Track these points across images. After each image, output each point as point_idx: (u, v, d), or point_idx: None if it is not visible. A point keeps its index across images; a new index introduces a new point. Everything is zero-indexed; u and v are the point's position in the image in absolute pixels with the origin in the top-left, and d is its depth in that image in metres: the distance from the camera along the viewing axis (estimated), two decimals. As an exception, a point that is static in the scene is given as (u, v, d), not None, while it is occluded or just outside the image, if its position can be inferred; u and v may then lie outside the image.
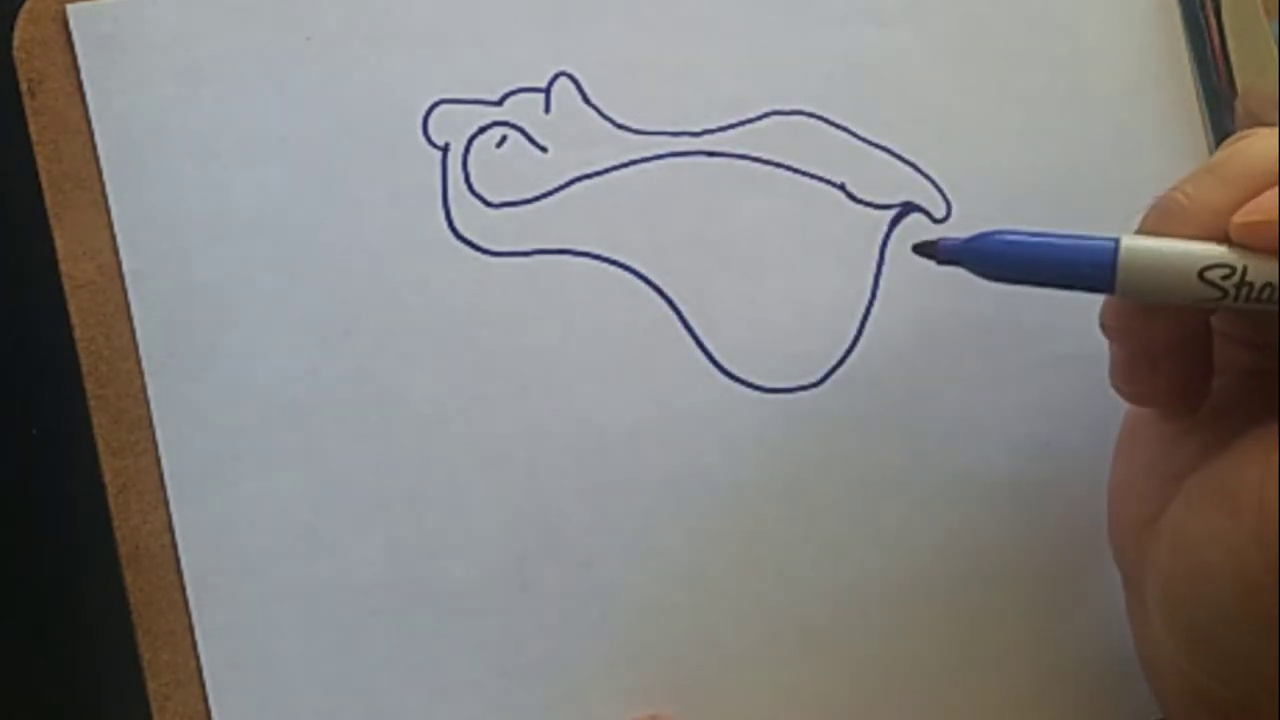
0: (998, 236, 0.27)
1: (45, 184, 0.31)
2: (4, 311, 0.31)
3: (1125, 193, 0.32)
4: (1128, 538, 0.30)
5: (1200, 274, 0.25)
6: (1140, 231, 0.27)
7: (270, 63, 0.32)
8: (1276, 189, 0.25)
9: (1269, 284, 0.25)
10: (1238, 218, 0.25)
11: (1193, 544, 0.26)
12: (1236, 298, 0.25)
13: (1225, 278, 0.25)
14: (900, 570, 0.32)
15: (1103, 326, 0.28)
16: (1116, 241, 0.26)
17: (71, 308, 0.31)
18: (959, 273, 0.28)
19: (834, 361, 0.33)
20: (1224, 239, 0.26)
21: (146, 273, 0.31)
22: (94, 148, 0.31)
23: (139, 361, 0.31)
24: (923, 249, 0.28)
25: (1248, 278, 0.25)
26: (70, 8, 0.31)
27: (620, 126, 0.33)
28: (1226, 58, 0.34)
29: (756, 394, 0.32)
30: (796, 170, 0.33)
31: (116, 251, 0.31)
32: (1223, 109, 0.34)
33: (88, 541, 0.31)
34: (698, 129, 0.33)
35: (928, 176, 0.33)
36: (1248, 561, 0.25)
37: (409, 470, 0.31)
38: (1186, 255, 0.25)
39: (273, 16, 0.32)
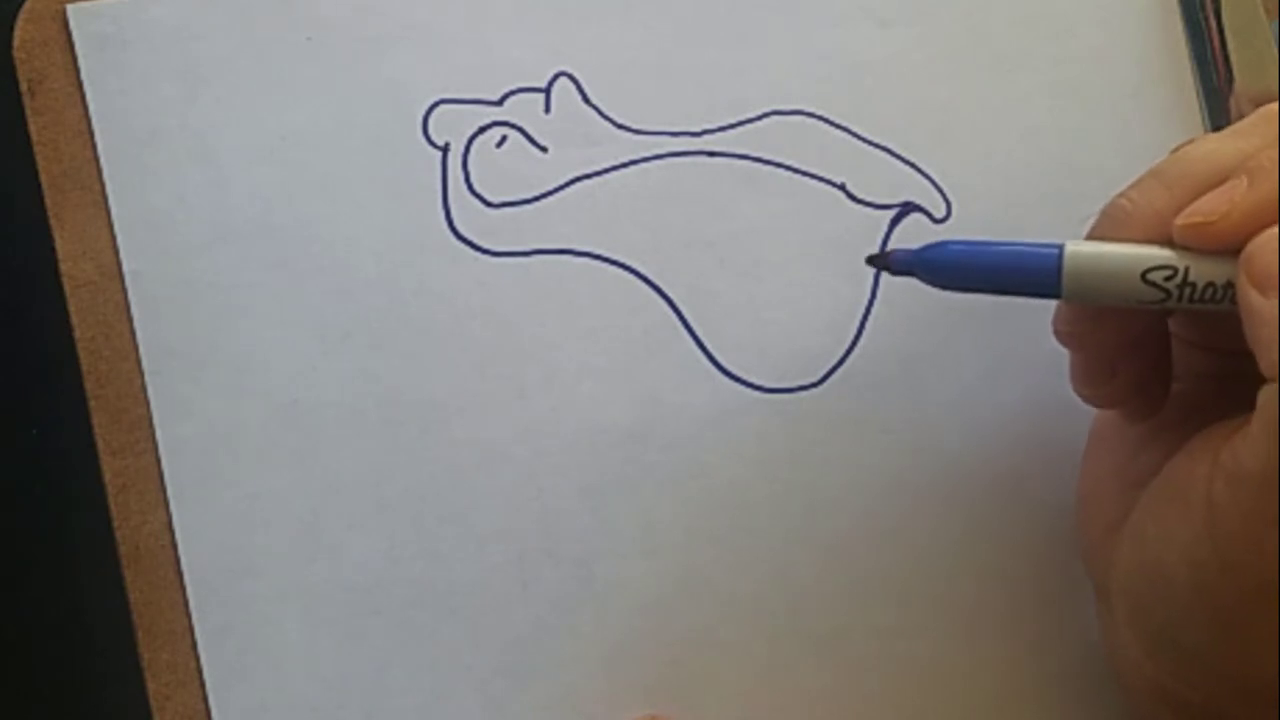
0: (947, 246, 0.27)
1: (45, 184, 0.31)
2: (4, 311, 0.31)
3: (1125, 193, 0.32)
4: (1094, 543, 0.30)
5: (1143, 276, 0.26)
6: (1089, 237, 0.27)
7: (270, 63, 0.32)
8: (1216, 192, 0.25)
9: (1211, 284, 0.25)
10: (1179, 220, 0.26)
11: (1150, 545, 0.27)
12: (1180, 298, 0.26)
13: (1168, 279, 0.25)
14: (900, 570, 0.32)
15: (1056, 333, 0.29)
16: (1061, 247, 0.26)
17: (71, 308, 0.31)
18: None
19: (834, 361, 0.33)
20: (1168, 241, 0.26)
21: (146, 273, 0.31)
22: (94, 148, 0.31)
23: (139, 361, 0.31)
24: (876, 261, 0.29)
25: (1190, 278, 0.25)
26: (70, 8, 0.31)
27: (620, 126, 0.33)
28: (1226, 58, 0.34)
29: (756, 394, 0.32)
30: (796, 170, 0.33)
31: (116, 251, 0.31)
32: (1222, 109, 0.34)
33: (88, 541, 0.31)
34: (698, 129, 0.33)
35: (928, 176, 0.33)
36: (1199, 559, 0.25)
37: (409, 470, 0.31)
38: (1129, 258, 0.26)
39: (273, 16, 0.32)
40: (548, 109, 0.32)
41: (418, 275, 0.32)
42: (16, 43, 0.31)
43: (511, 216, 0.32)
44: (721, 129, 0.33)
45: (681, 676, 0.32)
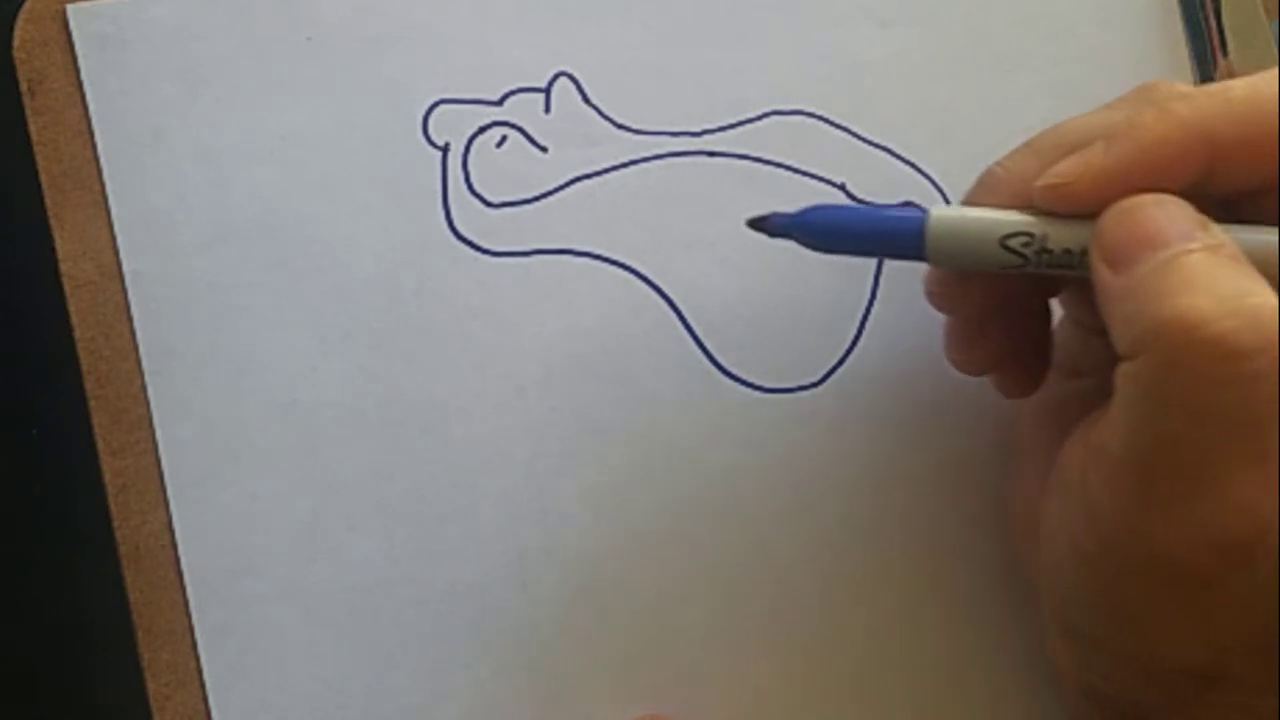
0: (821, 210, 0.28)
1: (45, 184, 0.31)
2: (4, 311, 0.31)
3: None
4: (1018, 545, 0.30)
5: (1002, 242, 0.26)
6: (964, 203, 0.28)
7: (270, 63, 0.32)
8: (1075, 155, 0.26)
9: (1068, 250, 0.26)
10: (1038, 182, 0.26)
11: (1049, 536, 0.27)
12: (1039, 264, 0.26)
13: (1025, 245, 0.26)
14: (900, 569, 0.32)
15: (927, 294, 0.29)
16: (926, 213, 0.27)
17: (71, 308, 0.31)
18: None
19: (834, 361, 0.33)
20: (1032, 207, 0.26)
21: (146, 273, 0.31)
22: (94, 148, 0.31)
23: (139, 361, 0.31)
24: (756, 223, 0.29)
25: (1047, 245, 0.26)
26: (70, 8, 0.31)
27: (620, 126, 0.33)
28: (1227, 58, 0.34)
29: (756, 394, 0.32)
30: (796, 170, 0.33)
31: (116, 251, 0.31)
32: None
33: (88, 541, 0.31)
34: (698, 129, 0.33)
35: (928, 176, 0.33)
36: (1082, 544, 0.25)
37: (409, 470, 0.31)
38: (989, 224, 0.26)
39: (273, 16, 0.32)
40: (548, 109, 0.32)
41: (418, 275, 0.32)
42: (16, 43, 0.31)
43: (511, 216, 0.32)
44: (721, 129, 0.33)
45: (681, 676, 0.32)
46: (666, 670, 0.32)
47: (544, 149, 0.32)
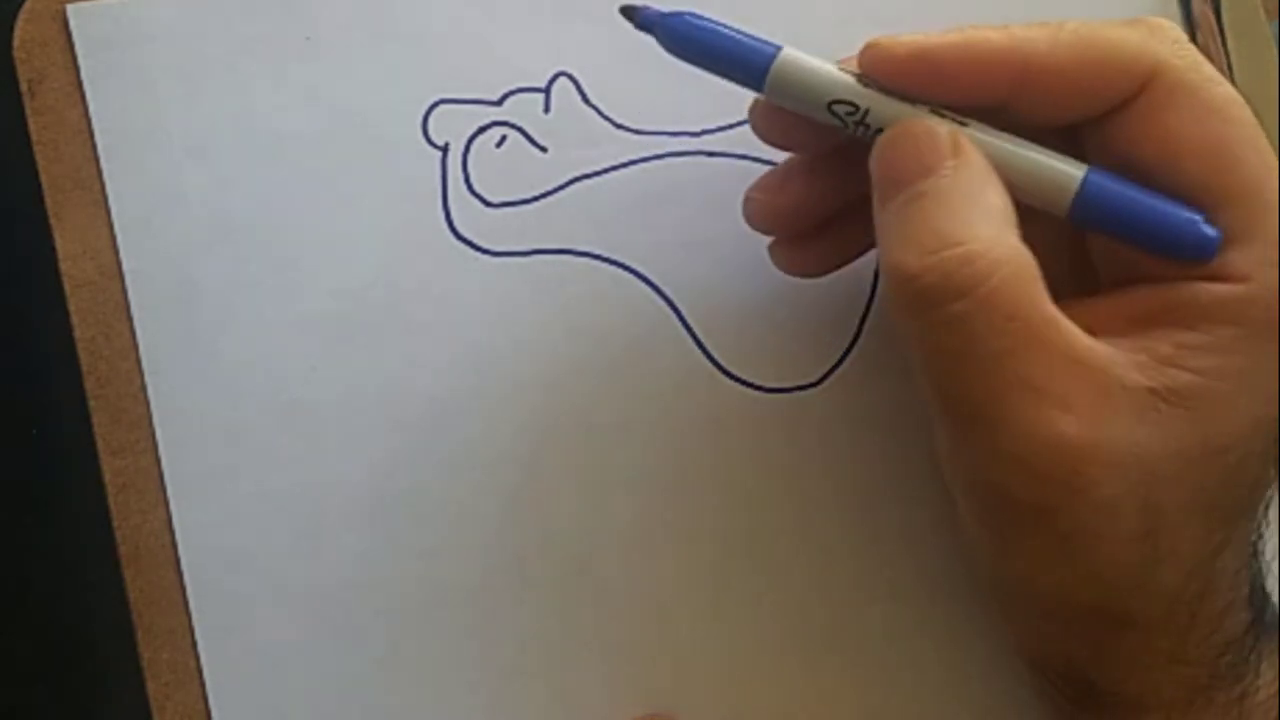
0: (687, 17, 0.28)
1: (45, 184, 0.31)
2: (4, 311, 0.31)
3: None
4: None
5: (829, 105, 0.27)
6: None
7: (270, 63, 0.32)
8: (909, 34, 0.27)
9: (881, 129, 0.27)
10: (865, 44, 0.27)
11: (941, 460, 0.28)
12: (859, 135, 0.27)
13: (849, 114, 0.27)
14: (900, 569, 0.32)
15: (750, 115, 0.29)
16: (778, 51, 0.27)
17: (71, 308, 0.31)
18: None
19: (834, 361, 0.33)
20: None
21: (146, 273, 0.31)
22: (94, 148, 0.31)
23: (139, 361, 0.31)
24: (627, 11, 0.29)
25: (867, 120, 0.27)
26: (70, 8, 0.31)
27: (620, 126, 0.33)
28: (1227, 58, 0.34)
29: (756, 394, 0.32)
30: (796, 170, 0.33)
31: (116, 251, 0.31)
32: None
33: (88, 541, 0.31)
34: (697, 129, 0.33)
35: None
36: (951, 485, 0.27)
37: (409, 470, 0.31)
38: (825, 83, 0.27)
39: (273, 16, 0.32)
40: (548, 109, 0.32)
41: (418, 275, 0.32)
42: (16, 43, 0.31)
43: (511, 216, 0.32)
44: (721, 129, 0.33)
45: (681, 676, 0.32)
46: (666, 670, 0.32)
47: (544, 149, 0.32)
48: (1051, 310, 0.25)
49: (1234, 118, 0.26)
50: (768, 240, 0.31)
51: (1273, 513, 0.33)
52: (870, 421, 0.32)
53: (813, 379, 0.33)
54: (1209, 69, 0.26)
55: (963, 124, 0.26)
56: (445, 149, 0.32)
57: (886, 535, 0.32)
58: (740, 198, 0.30)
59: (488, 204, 0.32)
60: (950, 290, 0.24)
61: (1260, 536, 0.28)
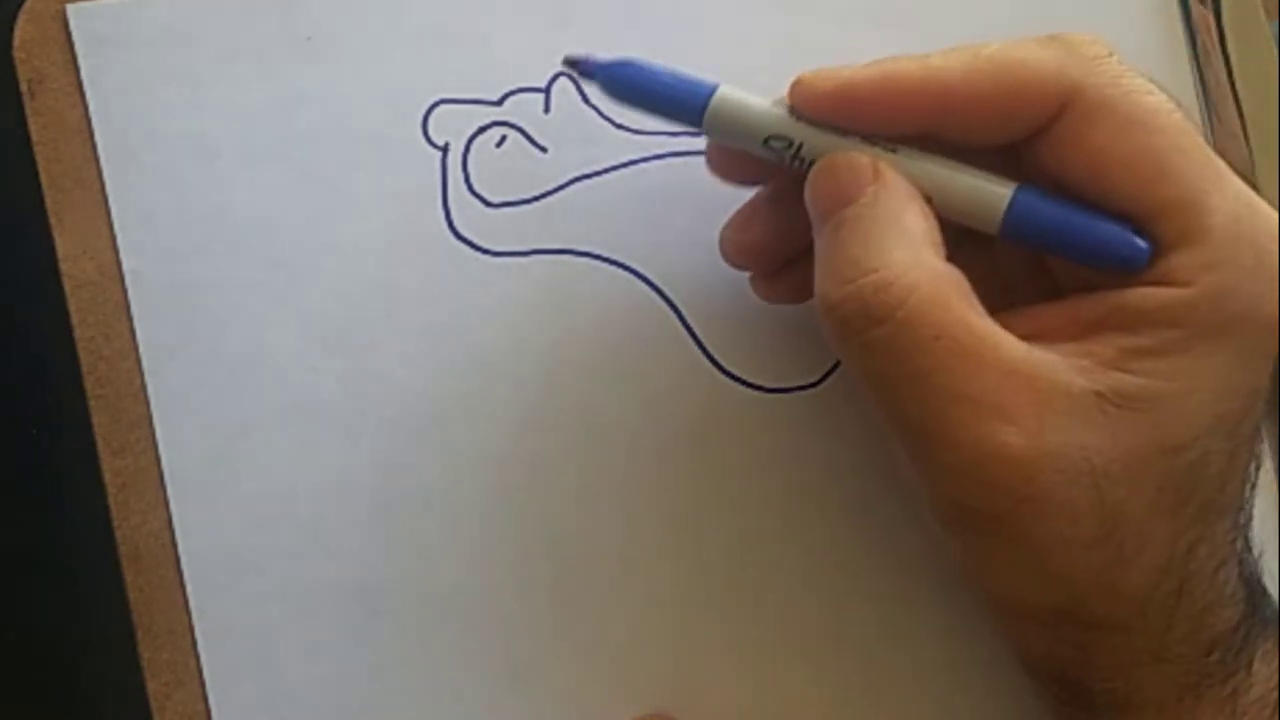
0: (625, 63, 0.29)
1: (45, 184, 0.31)
2: (4, 311, 0.31)
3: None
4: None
5: (765, 141, 0.28)
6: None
7: (270, 63, 0.32)
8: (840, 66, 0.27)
9: (815, 161, 0.27)
10: (792, 81, 0.28)
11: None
12: (793, 165, 0.28)
13: (785, 148, 0.28)
14: (900, 569, 0.32)
15: (706, 156, 0.30)
16: (714, 88, 0.28)
17: (71, 308, 0.31)
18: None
19: (834, 361, 0.33)
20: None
21: (146, 273, 0.31)
22: (94, 148, 0.31)
23: (139, 361, 0.31)
24: (569, 63, 0.30)
25: (802, 153, 0.27)
26: (70, 8, 0.31)
27: (620, 126, 0.33)
28: (1226, 58, 0.34)
29: (756, 394, 0.32)
30: (796, 170, 0.33)
31: (116, 251, 0.31)
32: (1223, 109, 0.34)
33: (88, 541, 0.31)
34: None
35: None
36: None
37: (409, 470, 0.31)
38: (759, 119, 0.28)
39: (273, 16, 0.32)
40: (547, 109, 0.32)
41: (418, 275, 0.32)
42: (16, 43, 0.31)
43: (511, 216, 0.32)
44: (721, 129, 0.33)
45: (681, 676, 0.32)
46: (666, 670, 0.32)
47: (544, 149, 0.32)
48: (980, 324, 0.25)
49: (1158, 127, 0.26)
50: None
51: (1271, 510, 0.33)
52: (869, 422, 0.32)
53: (813, 379, 0.33)
54: (1131, 81, 0.27)
55: (892, 151, 0.27)
56: (445, 149, 0.32)
57: (886, 535, 0.32)
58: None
59: (488, 204, 0.32)
60: (869, 317, 0.25)
61: (1246, 533, 0.28)
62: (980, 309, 0.26)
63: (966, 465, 0.25)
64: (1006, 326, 0.26)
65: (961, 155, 0.28)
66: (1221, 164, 0.27)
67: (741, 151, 0.29)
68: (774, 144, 0.28)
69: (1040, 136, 0.27)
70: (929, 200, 0.27)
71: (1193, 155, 0.26)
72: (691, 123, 0.28)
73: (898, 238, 0.26)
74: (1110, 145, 0.26)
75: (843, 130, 0.27)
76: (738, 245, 0.31)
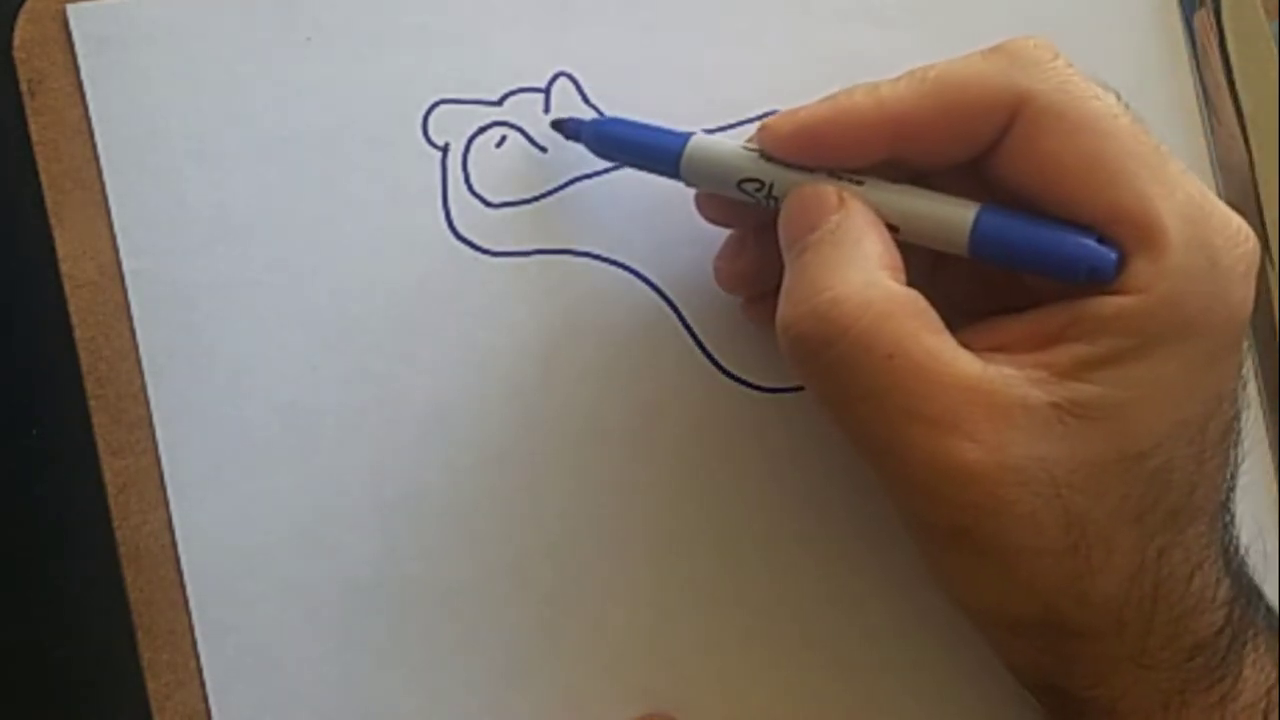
0: (607, 121, 0.32)
1: (45, 184, 0.31)
2: (4, 311, 0.31)
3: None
4: None
5: (739, 184, 0.29)
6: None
7: (270, 63, 0.32)
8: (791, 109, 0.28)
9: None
10: (757, 127, 0.29)
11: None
12: (768, 204, 0.29)
13: (757, 190, 0.29)
14: (899, 569, 0.32)
15: (695, 200, 0.31)
16: (688, 138, 0.30)
17: (71, 308, 0.31)
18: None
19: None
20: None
21: (146, 273, 0.31)
22: (94, 148, 0.31)
23: (139, 361, 0.31)
24: (557, 124, 0.32)
25: (774, 193, 0.28)
26: (70, 8, 0.31)
27: (620, 126, 0.33)
28: (1226, 58, 0.34)
29: (756, 394, 0.32)
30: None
31: (116, 251, 0.31)
32: (1222, 109, 0.34)
33: (88, 541, 0.31)
34: (698, 129, 0.33)
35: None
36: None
37: (409, 470, 0.31)
38: (731, 164, 0.29)
39: (273, 16, 0.32)
40: (547, 109, 0.32)
41: (418, 275, 0.32)
42: (16, 43, 0.31)
43: (511, 216, 0.32)
44: (721, 129, 0.33)
45: (681, 676, 0.32)
46: (666, 670, 0.32)
47: (544, 149, 0.32)
48: (935, 341, 0.26)
49: (1107, 131, 0.26)
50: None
51: (1272, 511, 0.33)
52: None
53: (813, 379, 0.33)
54: (1078, 85, 0.27)
55: (858, 183, 0.28)
56: (445, 149, 0.32)
57: (886, 535, 0.32)
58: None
59: (488, 204, 0.32)
60: (823, 335, 0.26)
61: (1232, 536, 0.28)
62: (937, 327, 0.26)
63: (929, 482, 0.25)
64: (970, 340, 0.26)
65: (927, 179, 0.28)
66: (1174, 165, 0.26)
67: (722, 195, 0.30)
68: (746, 186, 0.29)
69: (995, 149, 0.27)
70: (894, 229, 0.27)
71: (1144, 159, 0.26)
72: (670, 173, 0.30)
73: (856, 260, 0.26)
74: (1060, 151, 0.26)
75: (810, 168, 0.28)
76: (728, 274, 0.31)
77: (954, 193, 0.28)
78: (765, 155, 0.29)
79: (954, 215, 0.27)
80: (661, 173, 0.30)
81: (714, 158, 0.29)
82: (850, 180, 0.28)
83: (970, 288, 0.29)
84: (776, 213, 0.28)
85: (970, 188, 0.28)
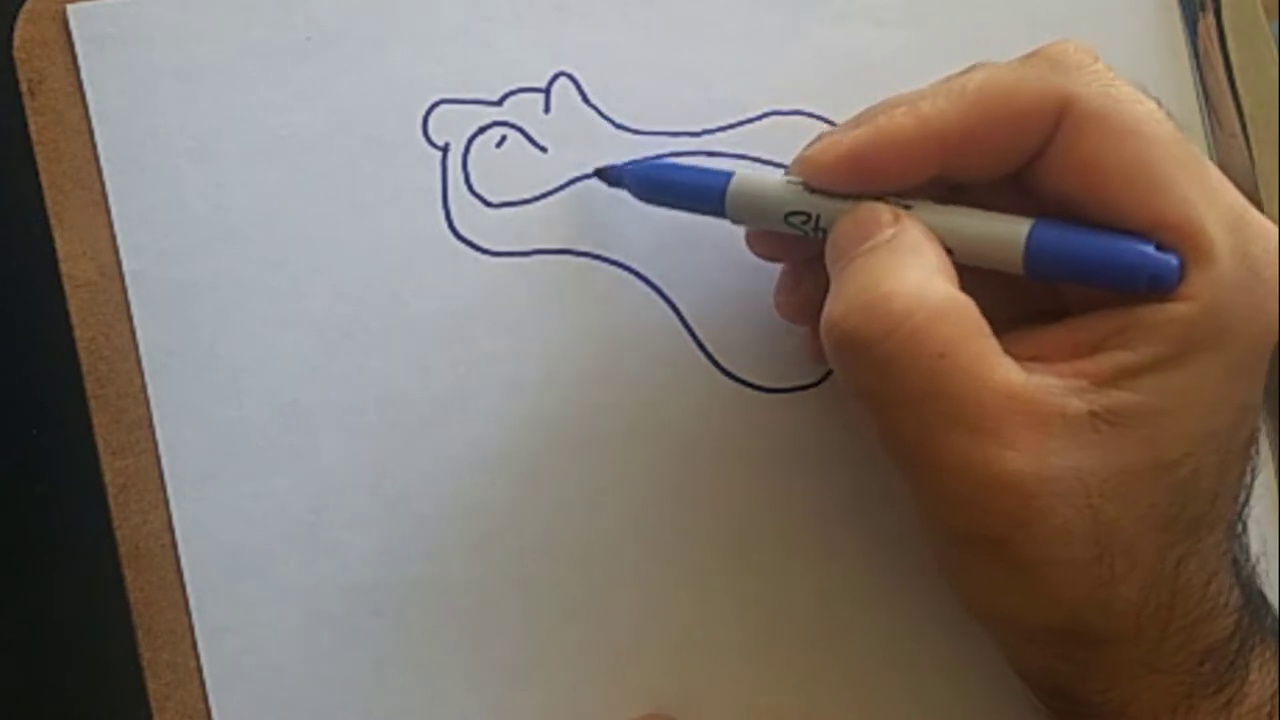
0: (645, 163, 0.32)
1: (45, 184, 0.31)
2: (4, 311, 0.31)
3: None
4: None
5: (785, 217, 0.28)
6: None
7: (270, 63, 0.32)
8: (834, 132, 0.28)
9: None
10: (796, 155, 0.28)
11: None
12: (815, 235, 0.28)
13: (804, 223, 0.28)
14: (899, 569, 0.32)
15: (746, 238, 0.31)
16: (730, 176, 0.29)
17: (71, 308, 0.31)
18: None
19: (834, 361, 0.33)
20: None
21: (146, 273, 0.31)
22: (94, 148, 0.31)
23: (139, 361, 0.31)
24: (600, 173, 0.32)
25: (821, 224, 0.28)
26: (70, 8, 0.31)
27: (620, 126, 0.33)
28: (1227, 58, 0.34)
29: (756, 394, 0.32)
30: (796, 170, 0.33)
31: (116, 251, 0.31)
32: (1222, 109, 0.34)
33: (88, 541, 0.31)
34: (698, 129, 0.33)
35: (928, 176, 0.33)
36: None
37: (409, 470, 0.31)
38: (777, 198, 0.29)
39: (273, 16, 0.32)
40: (548, 109, 0.32)
41: (418, 275, 0.32)
42: (16, 43, 0.31)
43: (511, 216, 0.32)
44: (721, 129, 0.33)
45: (681, 676, 0.32)
46: (666, 670, 0.32)
47: (544, 149, 0.32)
48: (986, 346, 0.25)
49: (1151, 136, 0.26)
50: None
51: (1272, 513, 0.33)
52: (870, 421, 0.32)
53: (813, 379, 0.33)
54: (1120, 89, 0.26)
55: (907, 207, 0.27)
56: (445, 149, 0.32)
57: (886, 535, 0.32)
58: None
59: (488, 204, 0.32)
60: (874, 330, 0.25)
61: (1243, 545, 0.28)
62: (988, 334, 0.26)
63: (963, 489, 0.25)
64: (1011, 348, 0.26)
65: (965, 192, 0.27)
66: (1215, 172, 0.26)
67: (770, 231, 0.29)
68: (793, 220, 0.28)
69: (1041, 157, 0.27)
70: (950, 251, 0.27)
71: (1187, 166, 0.26)
72: (715, 212, 0.29)
73: (911, 264, 0.26)
74: (1104, 156, 0.26)
75: (856, 196, 0.27)
76: (789, 306, 0.31)
77: (992, 202, 0.27)
78: (809, 187, 0.28)
79: (1007, 233, 0.26)
80: (708, 213, 0.30)
81: (757, 194, 0.29)
82: (899, 204, 0.27)
83: (1003, 295, 0.28)
84: (823, 245, 0.28)
85: (1009, 197, 0.27)
